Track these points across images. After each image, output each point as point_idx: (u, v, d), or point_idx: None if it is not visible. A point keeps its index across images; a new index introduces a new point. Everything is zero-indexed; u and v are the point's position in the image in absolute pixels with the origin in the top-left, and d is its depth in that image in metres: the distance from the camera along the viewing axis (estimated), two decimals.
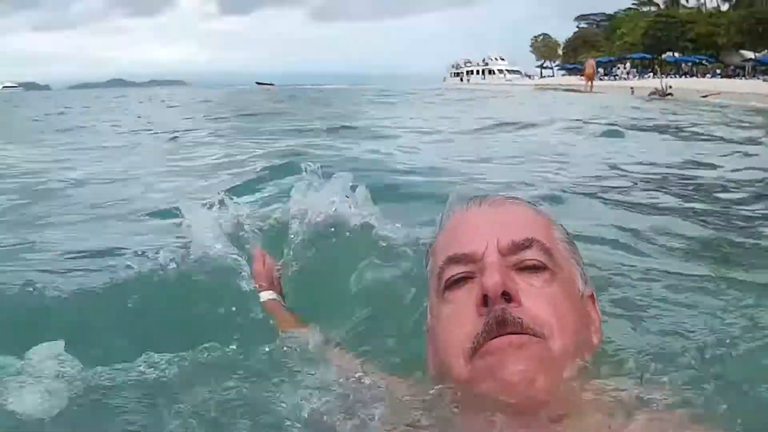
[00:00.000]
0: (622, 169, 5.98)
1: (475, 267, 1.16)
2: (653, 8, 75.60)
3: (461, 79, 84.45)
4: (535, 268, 1.16)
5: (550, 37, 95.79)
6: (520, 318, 1.09)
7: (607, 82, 51.91)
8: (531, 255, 1.16)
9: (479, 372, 1.10)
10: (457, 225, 1.26)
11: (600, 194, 4.55)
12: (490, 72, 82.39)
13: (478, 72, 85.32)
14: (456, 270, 1.18)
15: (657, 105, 21.58)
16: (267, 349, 1.34)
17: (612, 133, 9.97)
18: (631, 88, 31.85)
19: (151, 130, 12.46)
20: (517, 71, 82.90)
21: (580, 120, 12.35)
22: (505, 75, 79.28)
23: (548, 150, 7.71)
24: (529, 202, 1.35)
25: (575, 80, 57.64)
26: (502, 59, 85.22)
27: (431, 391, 1.18)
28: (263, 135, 9.46)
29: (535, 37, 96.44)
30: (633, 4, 79.03)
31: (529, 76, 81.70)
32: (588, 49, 78.31)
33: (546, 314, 1.11)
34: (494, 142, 9.09)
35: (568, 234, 1.31)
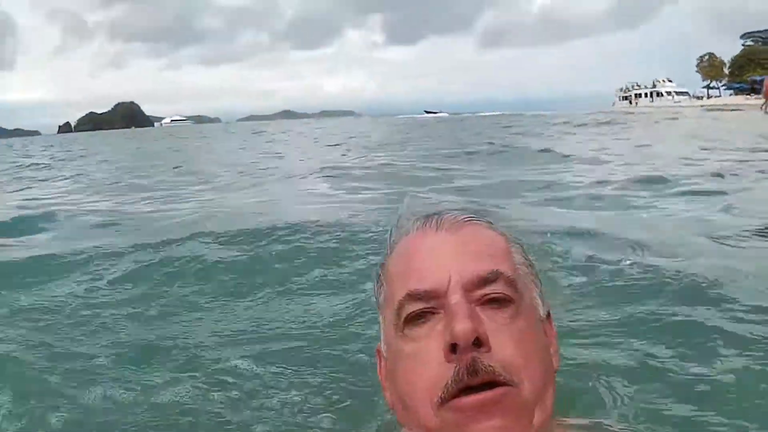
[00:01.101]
0: None
1: (436, 303, 1.11)
2: None
3: (630, 102, 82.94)
4: (500, 302, 1.11)
5: (715, 56, 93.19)
6: (491, 366, 1.05)
7: None
8: (495, 288, 1.11)
9: (449, 425, 1.06)
10: (413, 252, 1.18)
11: None
12: (658, 94, 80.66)
13: (646, 95, 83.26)
14: (416, 306, 1.12)
15: None
16: None
17: None
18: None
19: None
20: (685, 92, 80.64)
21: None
22: (673, 97, 77.43)
23: None
24: (487, 220, 1.26)
25: (742, 100, 56.10)
26: (670, 81, 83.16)
27: None
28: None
29: (700, 57, 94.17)
30: None
31: (698, 98, 78.99)
32: (754, 68, 75.98)
33: (515, 357, 1.08)
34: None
35: (525, 251, 1.25)
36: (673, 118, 28.77)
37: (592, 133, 18.48)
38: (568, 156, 9.96)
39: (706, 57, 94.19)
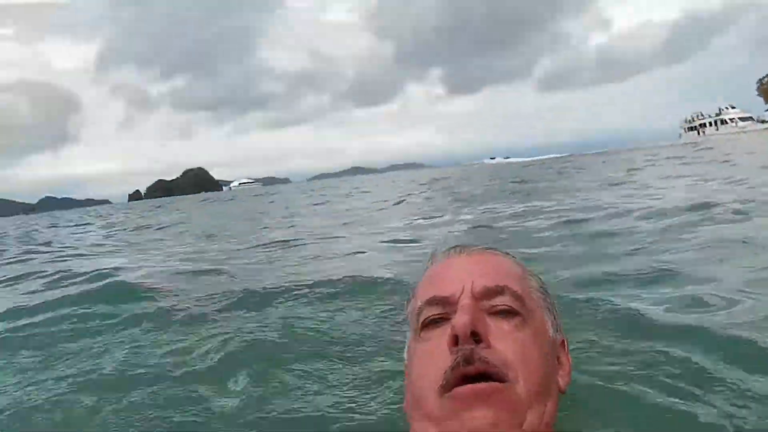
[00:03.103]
0: None
1: (450, 309, 1.23)
2: None
3: (698, 133, 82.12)
4: (507, 313, 1.22)
5: None
6: (487, 358, 1.14)
7: None
8: (503, 300, 1.23)
9: (446, 412, 1.14)
10: (438, 271, 1.34)
11: None
12: (722, 122, 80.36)
13: (711, 124, 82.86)
14: (433, 311, 1.25)
15: None
16: None
17: None
18: None
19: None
20: (749, 117, 79.89)
21: None
22: (736, 123, 77.49)
23: None
24: (509, 254, 1.42)
25: None
26: (733, 107, 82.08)
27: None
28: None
29: (760, 79, 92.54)
30: None
31: (762, 121, 77.98)
32: None
33: (513, 357, 1.16)
34: None
35: (543, 285, 1.38)
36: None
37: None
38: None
39: (766, 79, 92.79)
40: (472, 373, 1.13)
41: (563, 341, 1.36)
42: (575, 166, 25.06)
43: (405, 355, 1.37)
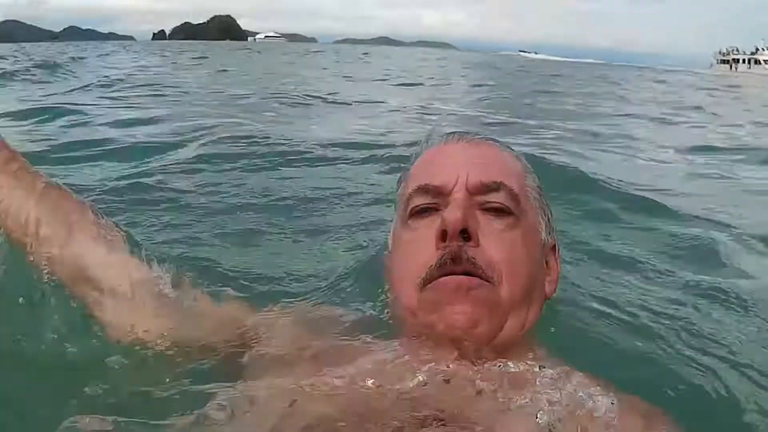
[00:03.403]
0: None
1: (441, 200, 1.18)
2: None
3: (730, 68, 79.46)
4: (500, 211, 1.18)
5: None
6: (474, 258, 1.11)
7: None
8: (497, 198, 1.18)
9: (425, 304, 1.13)
10: (433, 156, 1.29)
11: None
12: (756, 62, 78.12)
13: (744, 61, 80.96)
14: (423, 200, 1.20)
15: None
16: None
17: None
18: None
19: None
20: None
21: None
22: None
23: None
24: (510, 148, 1.35)
25: None
26: None
27: (382, 317, 1.28)
28: None
29: None
30: None
31: None
32: None
33: (500, 258, 1.13)
34: None
35: (540, 184, 1.32)
36: None
37: None
38: None
39: None
40: (457, 272, 1.11)
41: (554, 245, 1.32)
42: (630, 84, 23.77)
43: (389, 239, 1.35)
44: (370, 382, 1.05)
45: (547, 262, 1.28)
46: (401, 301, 1.19)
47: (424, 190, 1.21)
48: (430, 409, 0.99)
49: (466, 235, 1.12)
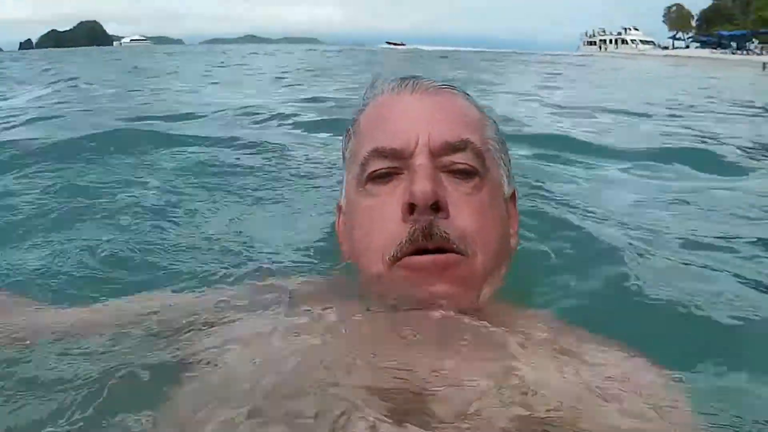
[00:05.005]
0: None
1: (401, 163, 1.10)
2: None
3: (599, 48, 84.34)
4: (465, 173, 1.11)
5: (683, 7, 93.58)
6: (447, 233, 1.06)
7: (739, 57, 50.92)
8: (463, 158, 1.11)
9: (397, 279, 1.07)
10: (386, 110, 1.17)
11: None
12: (623, 42, 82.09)
13: (612, 41, 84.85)
14: (381, 164, 1.12)
15: None
16: None
17: None
18: (764, 63, 30.09)
19: None
20: (651, 42, 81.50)
21: None
22: (637, 45, 78.66)
23: None
24: (465, 93, 1.25)
25: (707, 53, 57.26)
26: (636, 29, 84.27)
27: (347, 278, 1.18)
28: None
29: (668, 7, 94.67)
30: None
31: (665, 48, 78.89)
32: (722, 22, 76.55)
33: (472, 228, 1.08)
34: None
35: (499, 129, 1.25)
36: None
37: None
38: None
39: (674, 8, 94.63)
40: (430, 248, 1.06)
41: (514, 192, 1.26)
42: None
43: (341, 199, 1.26)
44: (338, 339, 1.00)
45: (508, 212, 1.22)
46: (366, 270, 1.12)
47: (381, 153, 1.12)
48: (400, 366, 0.93)
49: (435, 206, 1.06)
